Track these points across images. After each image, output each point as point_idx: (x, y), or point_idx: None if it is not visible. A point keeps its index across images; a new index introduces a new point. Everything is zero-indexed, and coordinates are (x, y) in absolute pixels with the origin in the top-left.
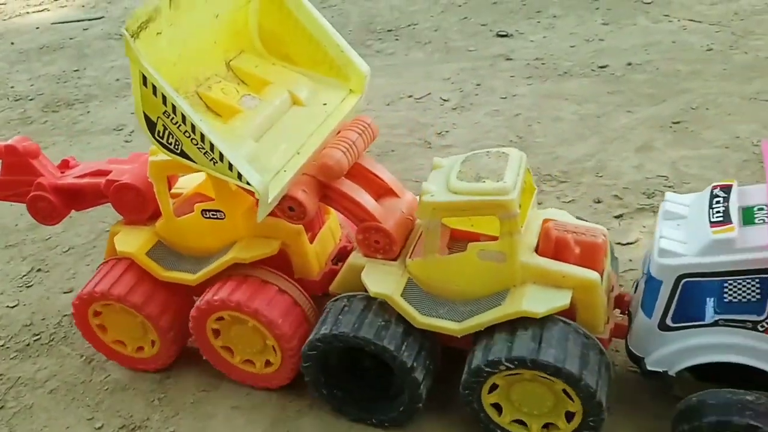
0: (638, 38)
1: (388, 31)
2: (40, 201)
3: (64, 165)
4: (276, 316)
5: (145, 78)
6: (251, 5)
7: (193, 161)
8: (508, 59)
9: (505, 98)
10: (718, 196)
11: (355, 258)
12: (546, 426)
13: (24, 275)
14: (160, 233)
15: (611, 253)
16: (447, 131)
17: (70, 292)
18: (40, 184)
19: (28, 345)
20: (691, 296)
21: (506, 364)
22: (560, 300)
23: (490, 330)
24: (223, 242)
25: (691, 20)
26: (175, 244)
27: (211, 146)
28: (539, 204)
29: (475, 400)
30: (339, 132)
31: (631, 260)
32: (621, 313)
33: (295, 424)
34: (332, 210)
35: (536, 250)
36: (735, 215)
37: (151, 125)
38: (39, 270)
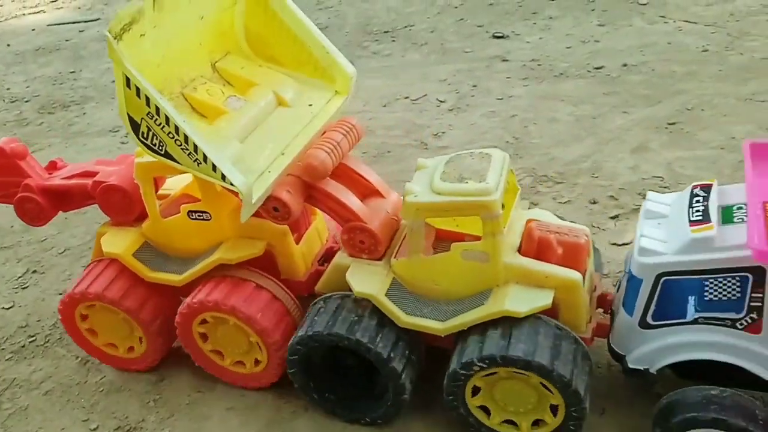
0: (634, 39)
1: (385, 32)
2: (28, 202)
3: (52, 166)
4: (253, 311)
5: (128, 79)
6: (236, 7)
7: (178, 162)
8: (504, 60)
9: (501, 99)
10: (698, 196)
11: (341, 258)
12: (536, 423)
13: (19, 277)
14: (147, 234)
15: (595, 253)
16: (443, 132)
17: None
18: (27, 186)
19: (23, 346)
20: (672, 294)
21: (478, 364)
22: (542, 300)
23: (465, 334)
24: (210, 243)
25: (687, 21)
26: (162, 245)
27: (195, 147)
28: (534, 205)
29: (461, 405)
30: (324, 133)
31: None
32: (604, 313)
33: (289, 425)
34: (319, 211)
35: (519, 251)
36: (714, 214)
37: (135, 126)
38: (34, 271)
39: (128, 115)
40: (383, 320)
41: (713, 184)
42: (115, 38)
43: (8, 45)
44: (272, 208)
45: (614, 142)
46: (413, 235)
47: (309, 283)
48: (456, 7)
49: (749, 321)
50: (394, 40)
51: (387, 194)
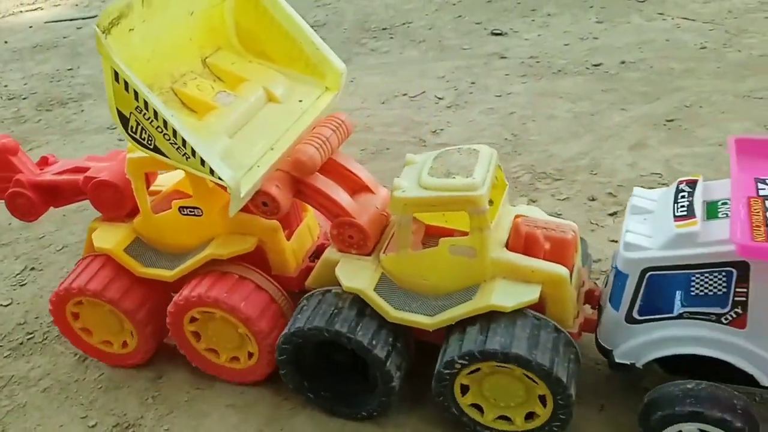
0: (632, 36)
1: (383, 29)
2: (19, 197)
3: (43, 162)
4: (236, 301)
5: (117, 74)
6: (227, 3)
7: (166, 157)
8: (502, 57)
9: (499, 96)
10: (683, 191)
11: (330, 253)
12: (530, 416)
13: (17, 274)
14: (138, 230)
15: (584, 249)
16: (442, 129)
17: None
18: (18, 181)
19: (21, 343)
20: (657, 289)
21: (459, 361)
22: (529, 294)
23: (449, 333)
24: (201, 239)
25: (685, 18)
26: (153, 241)
27: (183, 142)
28: (533, 202)
29: (452, 405)
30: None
31: None
32: (592, 308)
33: (289, 422)
34: (311, 208)
35: (507, 246)
36: (699, 210)
37: (124, 121)
38: (33, 269)
39: (117, 109)
40: (364, 310)
41: (699, 179)
42: (103, 33)
43: (6, 42)
44: (261, 203)
45: (613, 139)
46: (401, 230)
47: (300, 279)
48: (454, 4)
49: (734, 316)
50: (392, 37)
51: (376, 190)
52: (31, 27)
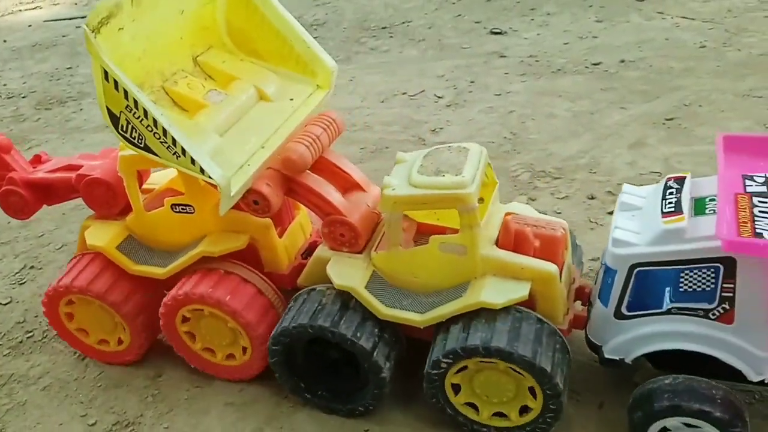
0: (631, 35)
1: (383, 28)
2: (12, 195)
3: (36, 160)
4: (221, 294)
5: (106, 73)
6: (218, 1)
7: (157, 155)
8: (502, 56)
9: (499, 95)
10: (671, 188)
11: (322, 251)
12: (524, 410)
13: (17, 272)
14: (131, 227)
15: (575, 246)
16: (441, 128)
17: None
18: (11, 179)
19: (21, 342)
20: (646, 285)
21: (444, 360)
22: (519, 291)
23: (436, 332)
24: (193, 236)
25: (684, 17)
26: (146, 239)
27: (174, 140)
28: (533, 200)
29: (446, 405)
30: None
31: None
32: (582, 305)
33: (288, 420)
34: (303, 205)
35: (497, 243)
36: (687, 206)
37: (114, 119)
38: (32, 267)
39: (107, 108)
40: (347, 304)
41: (687, 176)
42: (92, 32)
43: (5, 41)
44: (252, 201)
45: (612, 137)
46: (391, 228)
47: (292, 277)
48: (453, 3)
49: (721, 311)
50: (391, 36)
51: (368, 188)
52: (30, 26)
